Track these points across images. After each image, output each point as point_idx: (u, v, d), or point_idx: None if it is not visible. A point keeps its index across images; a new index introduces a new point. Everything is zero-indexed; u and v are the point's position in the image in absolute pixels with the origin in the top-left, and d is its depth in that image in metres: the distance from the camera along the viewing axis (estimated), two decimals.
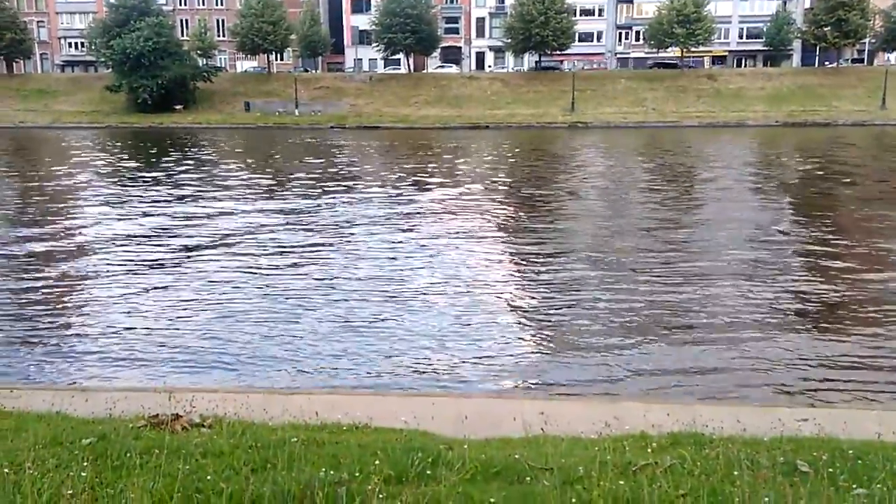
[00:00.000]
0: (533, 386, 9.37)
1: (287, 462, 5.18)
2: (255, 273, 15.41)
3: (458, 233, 19.35)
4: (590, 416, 7.35)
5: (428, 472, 5.08)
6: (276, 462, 5.21)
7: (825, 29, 66.69)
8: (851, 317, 12.35)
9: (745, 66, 77.05)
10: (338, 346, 10.83)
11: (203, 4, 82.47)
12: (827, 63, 73.54)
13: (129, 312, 12.70)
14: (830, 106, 61.97)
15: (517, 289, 14.31)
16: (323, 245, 18.19)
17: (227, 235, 19.18)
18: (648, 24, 71.18)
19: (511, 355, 10.46)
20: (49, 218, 22.04)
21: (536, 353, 10.81)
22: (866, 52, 74.77)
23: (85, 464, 5.07)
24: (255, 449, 5.54)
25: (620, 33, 79.96)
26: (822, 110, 60.97)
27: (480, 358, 10.30)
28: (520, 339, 11.37)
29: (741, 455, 5.63)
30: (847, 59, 74.53)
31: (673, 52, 70.91)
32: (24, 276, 15.35)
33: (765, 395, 9.24)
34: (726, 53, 77.79)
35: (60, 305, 13.36)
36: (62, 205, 24.48)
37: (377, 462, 5.12)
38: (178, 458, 5.24)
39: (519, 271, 15.77)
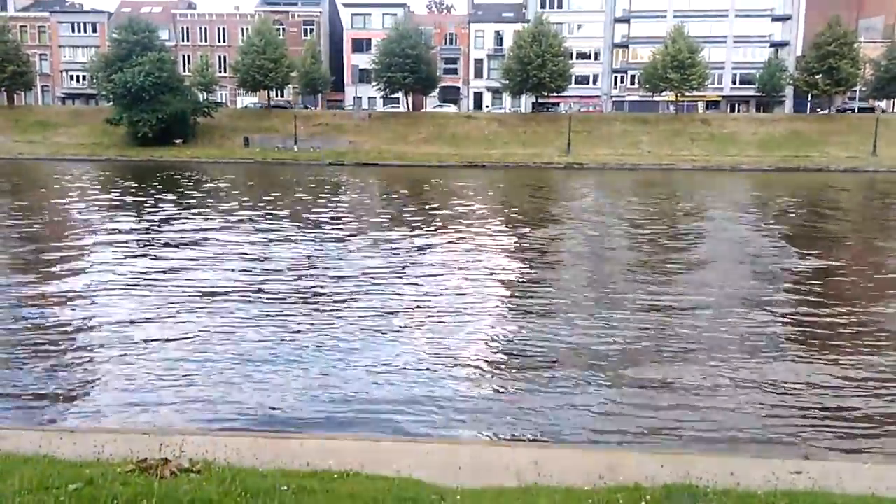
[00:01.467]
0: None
1: None
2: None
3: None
4: (583, 465, 7.29)
5: None
6: None
7: (817, 77, 68.06)
8: None
9: (739, 111, 78.37)
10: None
11: (205, 41, 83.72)
12: (819, 110, 74.84)
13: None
14: (822, 152, 62.86)
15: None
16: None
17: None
18: (643, 69, 72.48)
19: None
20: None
21: None
22: (857, 99, 76.14)
23: None
24: (244, 497, 5.47)
25: (616, 77, 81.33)
26: (814, 156, 61.83)
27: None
28: None
29: None
30: (841, 107, 75.85)
31: (667, 95, 72.19)
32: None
33: None
34: (720, 98, 79.12)
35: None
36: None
37: None
38: None
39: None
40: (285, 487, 5.69)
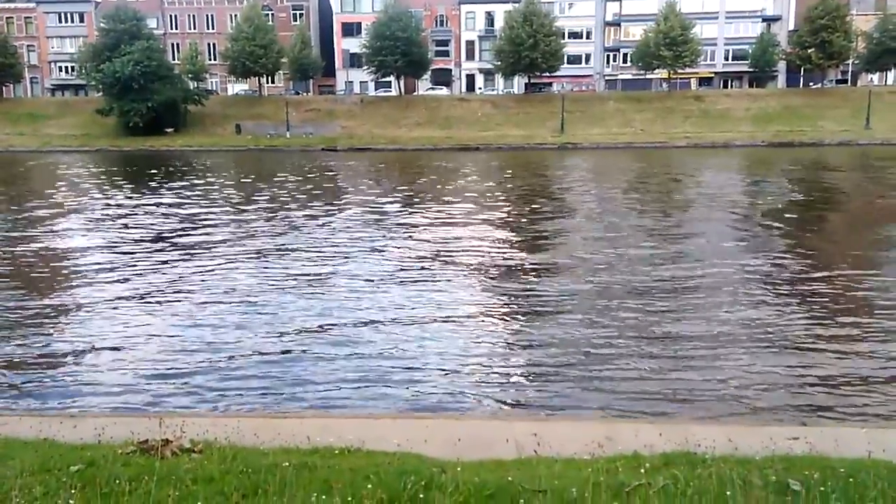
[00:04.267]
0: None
1: (279, 487, 5.14)
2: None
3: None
4: (582, 436, 7.34)
5: (421, 495, 5.05)
6: (267, 488, 5.17)
7: (809, 51, 67.82)
8: None
9: (732, 87, 78.13)
10: None
11: (194, 28, 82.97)
12: (811, 84, 74.67)
13: None
14: (816, 126, 62.75)
15: None
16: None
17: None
18: (636, 47, 72.10)
19: None
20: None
21: None
22: (850, 72, 75.95)
23: (73, 491, 5.02)
24: (245, 474, 5.50)
25: (608, 55, 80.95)
26: (807, 131, 61.71)
27: None
28: None
29: (733, 475, 5.63)
30: (831, 80, 75.67)
31: (660, 73, 71.86)
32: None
33: None
34: (713, 75, 78.85)
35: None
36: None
37: (369, 486, 5.09)
38: (167, 485, 5.20)
39: None
40: (286, 464, 5.71)
